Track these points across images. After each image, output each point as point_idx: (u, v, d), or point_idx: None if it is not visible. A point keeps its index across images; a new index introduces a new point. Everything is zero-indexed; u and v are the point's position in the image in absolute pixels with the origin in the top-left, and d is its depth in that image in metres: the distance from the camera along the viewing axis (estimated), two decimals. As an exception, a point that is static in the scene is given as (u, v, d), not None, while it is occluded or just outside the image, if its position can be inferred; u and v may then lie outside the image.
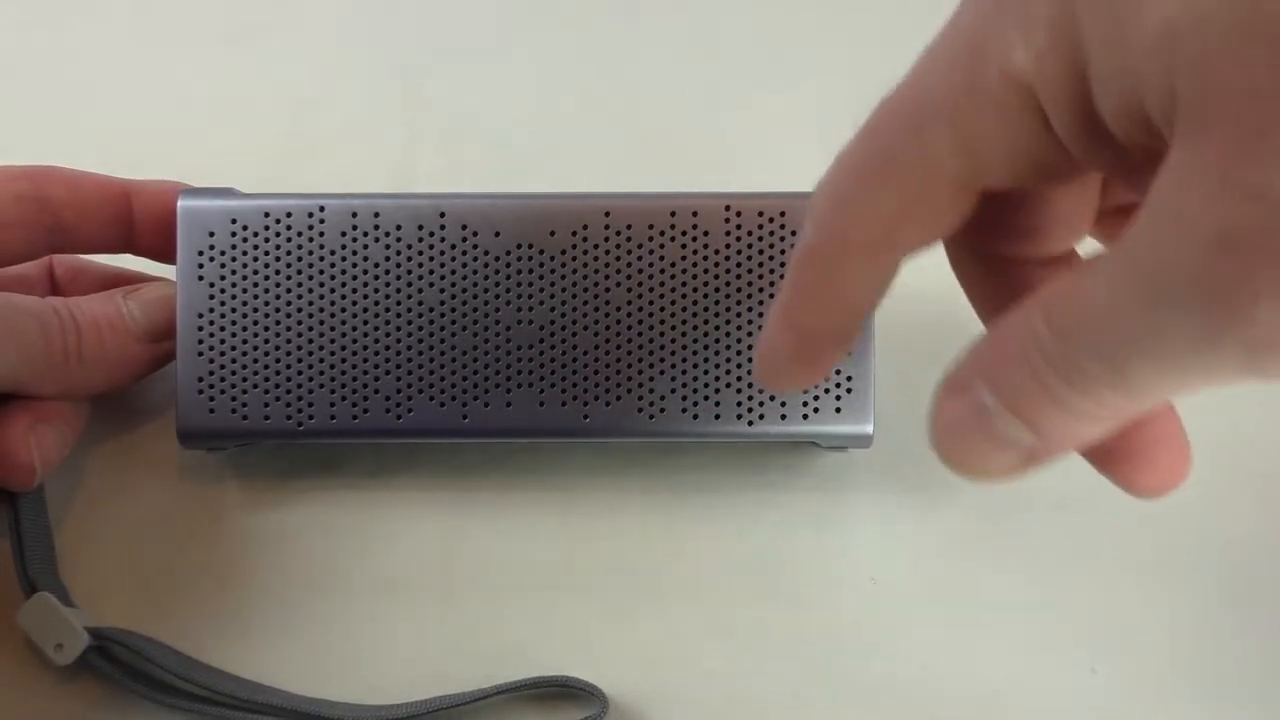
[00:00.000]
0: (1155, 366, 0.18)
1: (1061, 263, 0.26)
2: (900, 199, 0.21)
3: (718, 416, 0.36)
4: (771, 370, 0.25)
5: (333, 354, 0.36)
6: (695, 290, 0.36)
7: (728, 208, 0.36)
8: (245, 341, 0.36)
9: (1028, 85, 0.19)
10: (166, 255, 0.37)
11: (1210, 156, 0.16)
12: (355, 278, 0.36)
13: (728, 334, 0.36)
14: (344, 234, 0.36)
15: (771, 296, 0.36)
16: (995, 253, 0.26)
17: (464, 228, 0.36)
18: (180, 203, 0.36)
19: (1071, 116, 0.19)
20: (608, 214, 0.36)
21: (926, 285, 0.41)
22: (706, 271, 0.36)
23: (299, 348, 0.36)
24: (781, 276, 0.36)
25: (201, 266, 0.36)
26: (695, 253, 0.36)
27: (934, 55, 0.21)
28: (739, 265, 0.36)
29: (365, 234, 0.36)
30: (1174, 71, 0.17)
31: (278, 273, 0.36)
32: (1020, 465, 0.22)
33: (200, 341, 0.36)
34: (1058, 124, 0.20)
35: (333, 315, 0.36)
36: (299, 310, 0.36)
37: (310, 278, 0.36)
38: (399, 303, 0.36)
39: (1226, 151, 0.16)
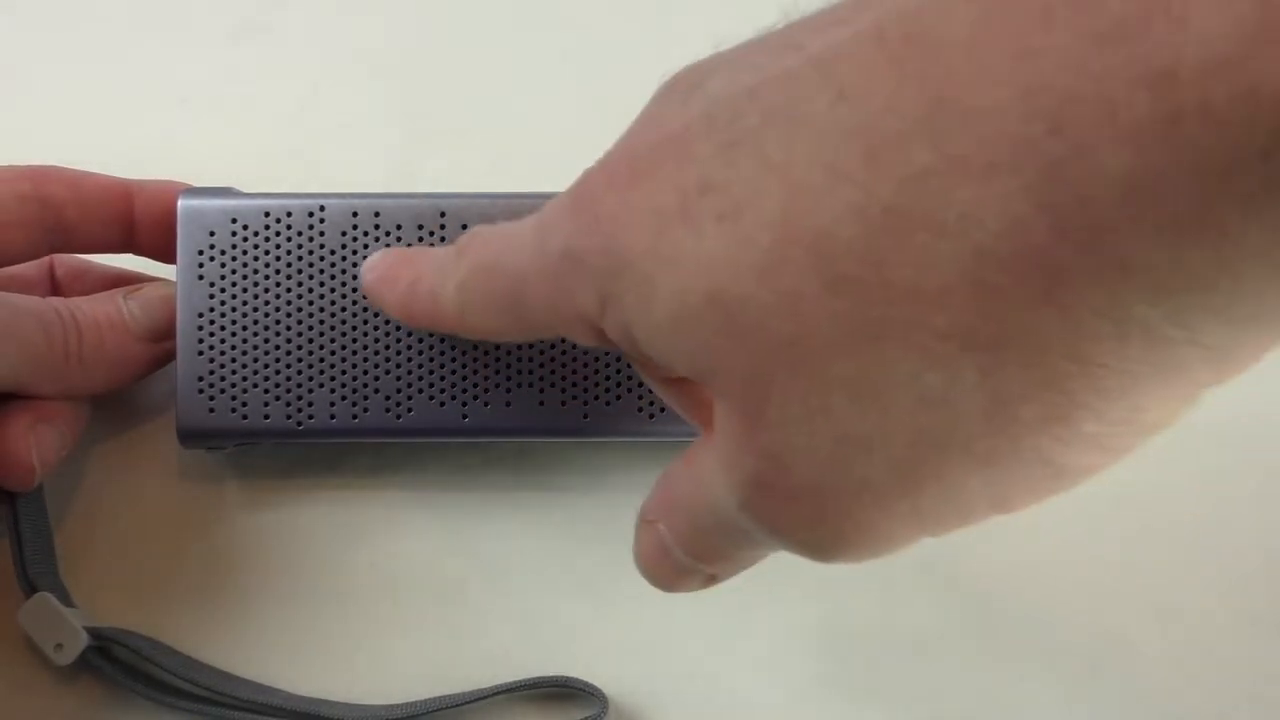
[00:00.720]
0: (753, 551, 0.25)
1: None
2: (519, 332, 0.29)
3: (718, 416, 0.36)
4: (377, 296, 0.32)
5: (333, 353, 0.36)
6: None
7: None
8: (245, 341, 0.36)
9: (593, 321, 0.23)
10: (167, 255, 0.37)
11: (734, 422, 0.21)
12: (355, 277, 0.36)
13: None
14: (344, 233, 0.36)
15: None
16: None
17: (464, 227, 0.36)
18: (180, 202, 0.36)
19: (629, 350, 0.23)
20: None
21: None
22: (706, 271, 0.36)
23: (299, 347, 0.36)
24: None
25: (202, 266, 0.36)
26: (695, 252, 0.36)
27: (533, 253, 0.25)
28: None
29: (366, 233, 0.36)
30: (688, 355, 0.21)
31: (278, 272, 0.36)
32: (705, 584, 0.26)
33: (200, 341, 0.36)
34: (622, 348, 0.24)
35: (333, 315, 0.36)
36: (299, 310, 0.36)
37: (310, 277, 0.36)
38: None
39: (743, 420, 0.21)
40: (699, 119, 0.21)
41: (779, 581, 0.38)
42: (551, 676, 0.36)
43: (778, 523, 0.21)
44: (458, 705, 0.36)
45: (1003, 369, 0.18)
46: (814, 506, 0.21)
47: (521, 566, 0.38)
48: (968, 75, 0.17)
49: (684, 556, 0.25)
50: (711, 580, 0.26)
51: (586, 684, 0.36)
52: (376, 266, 0.32)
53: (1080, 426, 0.19)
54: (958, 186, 0.17)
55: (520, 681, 0.36)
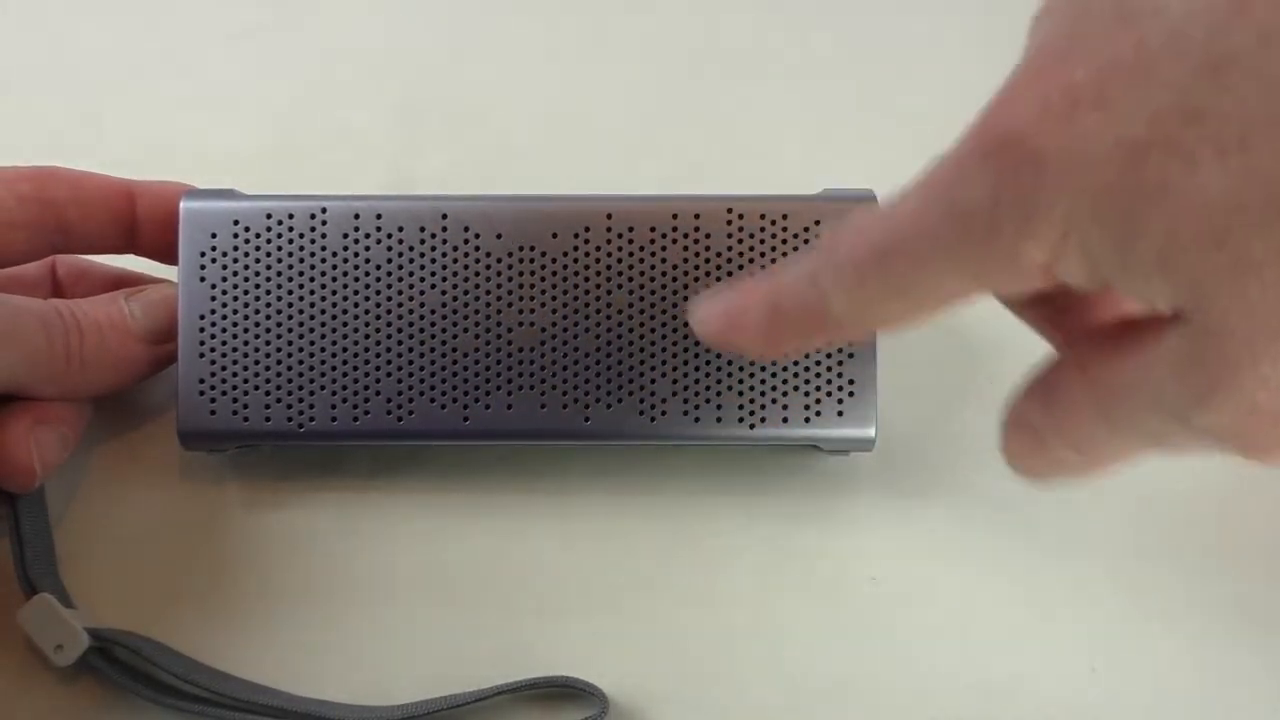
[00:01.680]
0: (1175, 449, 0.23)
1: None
2: (921, 310, 0.25)
3: (719, 420, 0.36)
4: (730, 340, 0.29)
5: (334, 355, 0.36)
6: (697, 292, 0.36)
7: (730, 210, 0.36)
8: (246, 343, 0.36)
9: (1045, 267, 0.22)
10: (169, 256, 0.37)
11: (1225, 353, 0.20)
12: (357, 279, 0.36)
13: (730, 337, 0.36)
14: (346, 235, 0.36)
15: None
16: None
17: (466, 229, 0.36)
18: (182, 204, 0.36)
19: (1089, 287, 0.22)
20: (609, 216, 0.36)
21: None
22: (708, 274, 0.36)
23: (300, 349, 0.36)
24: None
25: (203, 268, 0.36)
26: (697, 255, 0.36)
27: (940, 217, 0.23)
28: (741, 268, 0.36)
29: (367, 235, 0.36)
30: (1174, 290, 0.20)
31: (279, 274, 0.36)
32: (1075, 476, 0.26)
33: (202, 343, 0.36)
34: (1075, 286, 0.23)
35: (334, 317, 0.36)
36: (300, 312, 0.36)
37: (312, 279, 0.36)
38: (400, 304, 0.36)
39: (1240, 356, 0.20)
40: (1159, 39, 0.19)
41: (778, 583, 0.38)
42: (552, 676, 0.36)
43: (1253, 442, 0.21)
44: (458, 706, 0.36)
45: None
46: None
47: (521, 567, 0.38)
48: None
49: (1071, 455, 0.25)
50: (1083, 472, 0.26)
51: (587, 684, 0.36)
52: (713, 315, 0.29)
53: None
54: None
55: (520, 681, 0.36)
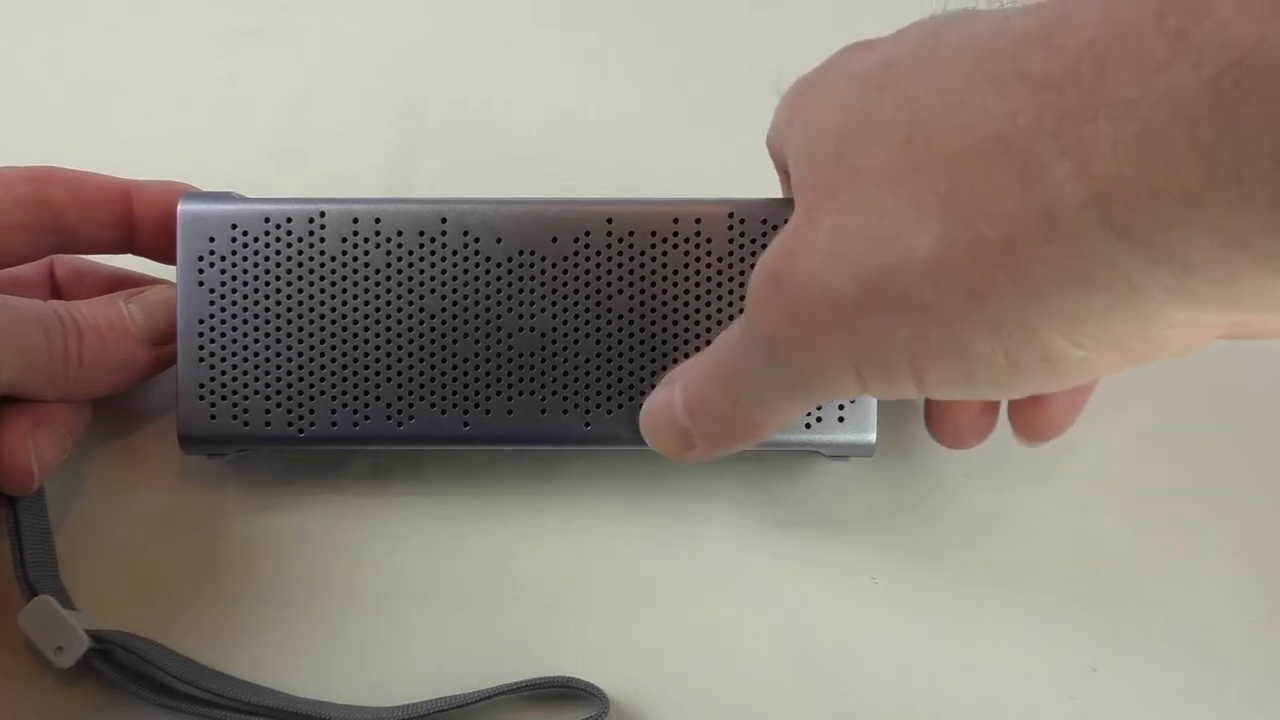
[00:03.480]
0: (759, 409, 0.30)
1: None
2: None
3: (720, 424, 0.36)
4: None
5: (334, 360, 0.36)
6: (698, 297, 0.35)
7: (731, 214, 0.35)
8: (246, 347, 0.35)
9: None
10: (167, 256, 0.37)
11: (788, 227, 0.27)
12: (356, 283, 0.35)
13: (730, 341, 0.35)
14: (345, 239, 0.35)
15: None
16: None
17: (465, 233, 0.35)
18: (180, 207, 0.36)
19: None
20: (610, 220, 0.35)
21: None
22: (709, 278, 0.35)
23: (300, 354, 0.35)
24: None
25: (202, 272, 0.35)
26: (698, 259, 0.35)
27: None
28: (742, 272, 0.35)
29: (366, 239, 0.35)
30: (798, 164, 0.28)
31: (278, 278, 0.35)
32: (683, 449, 0.32)
33: (201, 347, 0.35)
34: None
35: (334, 321, 0.35)
36: (300, 316, 0.35)
37: (311, 283, 0.35)
38: (400, 309, 0.35)
39: (794, 224, 0.26)
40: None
41: (778, 584, 0.38)
42: (553, 677, 0.36)
43: (760, 304, 0.27)
44: (459, 706, 0.36)
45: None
46: (798, 301, 0.26)
47: (522, 568, 0.38)
48: None
49: (683, 416, 0.31)
50: (689, 447, 0.32)
51: (587, 684, 0.36)
52: None
53: None
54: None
55: (521, 682, 0.36)
